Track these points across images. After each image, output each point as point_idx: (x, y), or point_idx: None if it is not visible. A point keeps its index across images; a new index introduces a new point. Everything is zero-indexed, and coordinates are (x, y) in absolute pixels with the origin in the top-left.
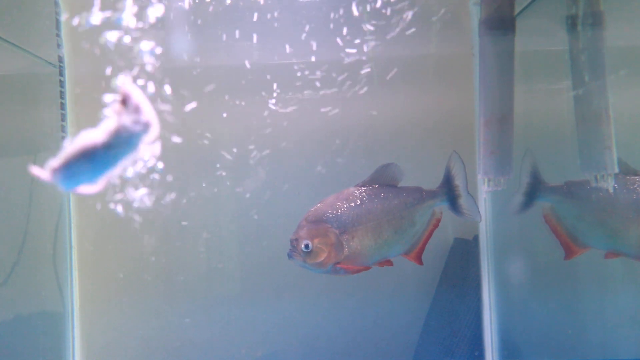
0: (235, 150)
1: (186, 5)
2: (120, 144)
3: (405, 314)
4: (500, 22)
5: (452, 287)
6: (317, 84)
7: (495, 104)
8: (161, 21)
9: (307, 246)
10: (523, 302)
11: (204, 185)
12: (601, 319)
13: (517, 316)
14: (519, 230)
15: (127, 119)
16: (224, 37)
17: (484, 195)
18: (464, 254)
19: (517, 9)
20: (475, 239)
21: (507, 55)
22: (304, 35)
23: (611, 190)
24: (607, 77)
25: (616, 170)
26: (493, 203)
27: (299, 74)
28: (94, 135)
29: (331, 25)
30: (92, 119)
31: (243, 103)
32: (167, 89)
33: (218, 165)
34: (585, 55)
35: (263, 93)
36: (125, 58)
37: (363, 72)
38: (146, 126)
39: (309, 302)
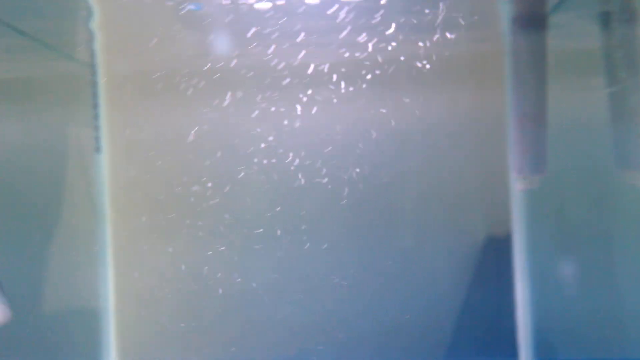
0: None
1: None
2: None
3: (436, 311)
4: (533, 19)
5: (485, 284)
6: (342, 83)
7: (529, 101)
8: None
9: None
10: (560, 301)
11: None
12: None
13: (553, 315)
14: (556, 227)
15: None
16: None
17: (518, 192)
18: (497, 250)
19: (550, 5)
20: (509, 235)
21: (540, 52)
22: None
23: None
24: None
25: None
26: (528, 199)
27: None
28: None
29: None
30: (125, 118)
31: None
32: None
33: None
34: (620, 52)
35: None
36: (159, 58)
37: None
38: None
39: (338, 298)
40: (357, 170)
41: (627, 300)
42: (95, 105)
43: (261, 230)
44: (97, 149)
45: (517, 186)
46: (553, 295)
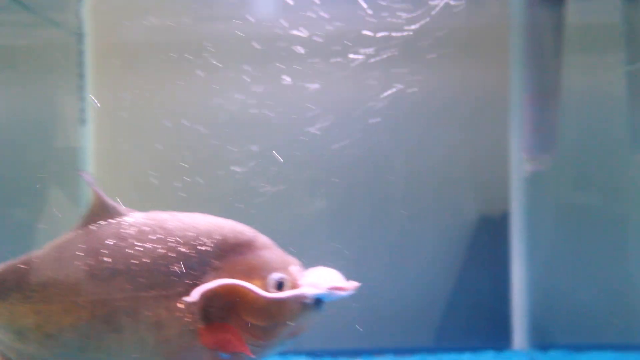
0: None
1: None
2: None
3: (429, 292)
4: None
5: (479, 265)
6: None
7: (542, 78)
8: None
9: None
10: (558, 286)
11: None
12: None
13: (550, 300)
14: (559, 210)
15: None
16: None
17: (526, 173)
18: (492, 231)
19: None
20: (505, 217)
21: (556, 26)
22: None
23: None
24: None
25: None
26: (527, 180)
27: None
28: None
29: None
30: (111, 89)
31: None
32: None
33: None
34: None
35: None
36: (148, 29)
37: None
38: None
39: None
40: (351, 148)
41: (628, 286)
42: (81, 76)
43: (240, 203)
44: (82, 121)
45: (525, 167)
46: (551, 280)
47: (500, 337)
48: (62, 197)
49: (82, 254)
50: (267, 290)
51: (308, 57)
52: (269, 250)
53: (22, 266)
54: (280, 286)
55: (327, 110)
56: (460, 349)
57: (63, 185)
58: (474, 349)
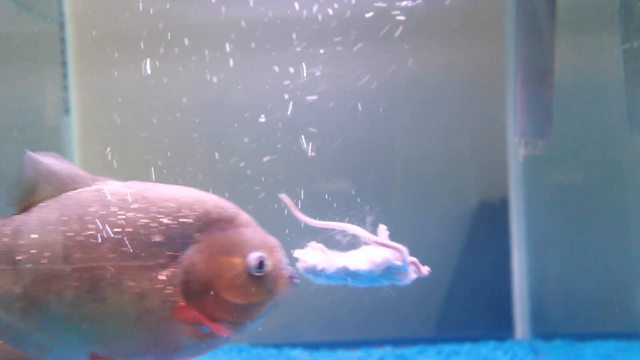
0: None
1: None
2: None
3: (429, 281)
4: None
5: (479, 254)
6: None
7: (534, 59)
8: None
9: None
10: (559, 271)
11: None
12: None
13: (552, 286)
14: (558, 195)
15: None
16: None
17: (520, 158)
18: (491, 219)
19: None
20: (504, 203)
21: (548, 5)
22: None
23: None
24: None
25: None
26: (525, 164)
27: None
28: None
29: None
30: (95, 79)
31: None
32: None
33: None
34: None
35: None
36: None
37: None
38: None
39: None
40: (346, 135)
41: (630, 273)
42: (64, 64)
43: (236, 187)
44: (66, 111)
45: (519, 151)
46: (552, 267)
47: (501, 327)
48: None
49: (67, 219)
50: (246, 270)
51: (301, 41)
52: (251, 228)
53: (5, 231)
54: (261, 265)
55: (321, 93)
56: (461, 339)
57: None
58: (475, 339)
